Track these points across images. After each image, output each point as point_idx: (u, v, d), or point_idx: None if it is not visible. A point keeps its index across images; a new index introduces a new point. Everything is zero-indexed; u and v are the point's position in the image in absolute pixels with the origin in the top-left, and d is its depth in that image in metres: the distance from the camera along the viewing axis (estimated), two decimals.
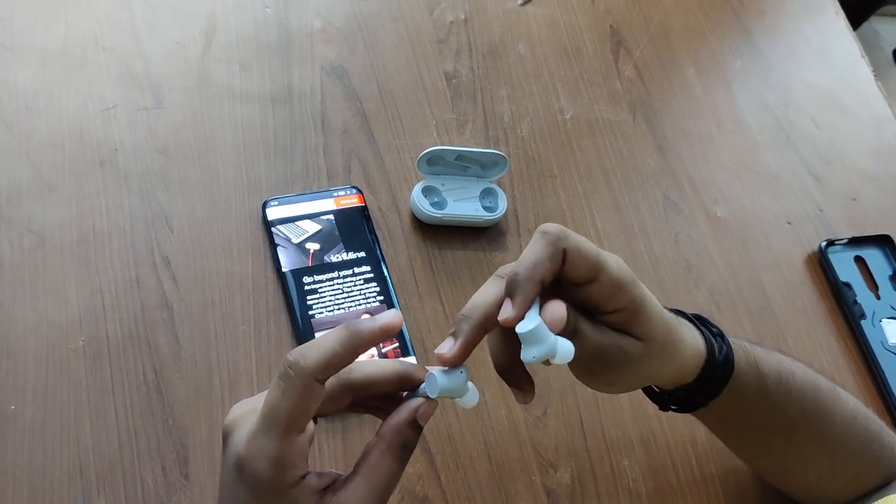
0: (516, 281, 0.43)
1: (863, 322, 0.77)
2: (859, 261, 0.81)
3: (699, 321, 0.53)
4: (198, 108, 0.75)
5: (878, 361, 0.75)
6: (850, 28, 1.01)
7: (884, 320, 0.78)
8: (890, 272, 0.81)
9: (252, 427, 0.41)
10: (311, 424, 0.43)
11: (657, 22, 0.94)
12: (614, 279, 0.45)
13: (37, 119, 0.71)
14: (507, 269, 0.45)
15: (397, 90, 0.81)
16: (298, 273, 0.67)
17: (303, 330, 0.65)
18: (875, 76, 0.97)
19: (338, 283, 0.68)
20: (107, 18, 0.77)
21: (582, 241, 0.44)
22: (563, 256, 0.44)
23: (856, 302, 0.78)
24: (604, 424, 0.67)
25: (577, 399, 0.68)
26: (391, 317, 0.43)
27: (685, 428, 0.67)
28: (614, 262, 0.45)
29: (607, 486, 0.64)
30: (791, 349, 0.75)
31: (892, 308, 0.78)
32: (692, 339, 0.50)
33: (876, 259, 0.81)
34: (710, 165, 0.85)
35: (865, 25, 2.18)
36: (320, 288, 0.67)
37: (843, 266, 0.80)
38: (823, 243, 0.81)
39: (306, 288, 0.67)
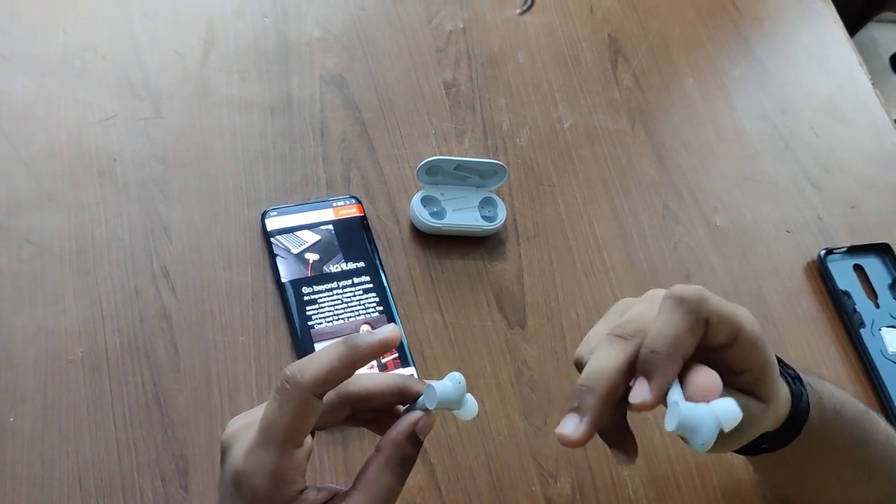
0: (654, 361, 0.38)
1: (862, 331, 0.77)
2: (858, 269, 0.81)
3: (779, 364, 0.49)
4: (197, 118, 0.75)
5: (877, 370, 0.75)
6: (848, 35, 1.01)
7: (883, 329, 0.78)
8: (889, 281, 0.81)
9: (250, 441, 0.41)
10: (309, 438, 0.43)
11: (655, 31, 0.94)
12: (751, 339, 0.41)
13: (35, 128, 0.71)
14: (630, 327, 0.40)
15: (396, 99, 0.81)
16: (298, 283, 0.67)
17: (302, 340, 0.65)
18: (873, 83, 0.97)
19: (337, 294, 0.68)
20: (106, 28, 0.77)
21: (722, 304, 0.40)
22: (705, 326, 0.39)
23: (855, 310, 0.78)
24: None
25: None
26: (390, 331, 0.42)
27: None
28: (749, 320, 0.41)
29: (608, 497, 0.64)
30: (791, 358, 0.73)
31: (892, 317, 0.78)
32: (783, 387, 0.47)
33: (875, 268, 0.81)
34: (710, 174, 0.85)
35: (863, 32, 2.18)
36: (320, 298, 0.67)
37: (843, 274, 0.80)
38: (822, 252, 0.81)
39: (305, 298, 0.67)
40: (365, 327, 0.67)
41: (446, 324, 0.69)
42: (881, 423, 0.57)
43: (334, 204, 0.72)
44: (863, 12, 2.05)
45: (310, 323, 0.66)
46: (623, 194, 0.81)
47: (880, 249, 0.82)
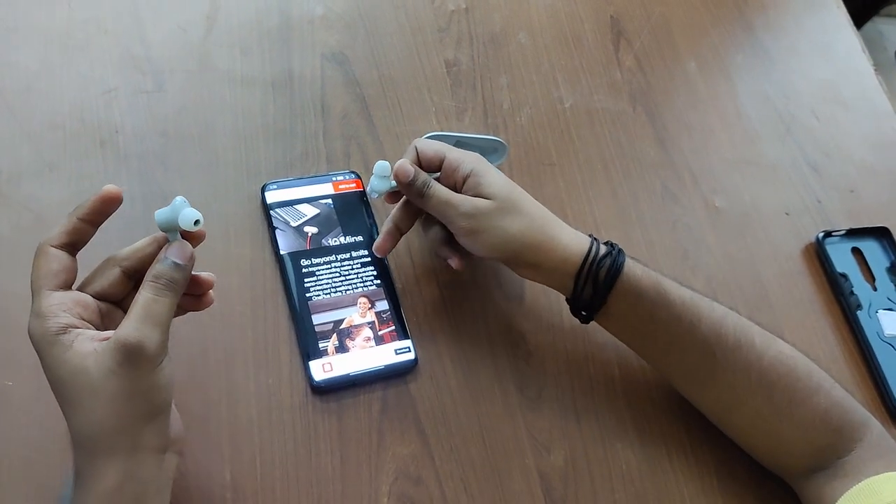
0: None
1: (859, 313, 0.77)
2: (856, 252, 0.81)
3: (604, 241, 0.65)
4: (198, 92, 0.75)
5: (873, 352, 0.75)
6: (851, 22, 1.01)
7: (880, 311, 0.78)
8: (887, 264, 0.81)
9: None
10: (82, 295, 0.50)
11: (658, 14, 0.94)
12: (453, 158, 0.64)
13: (38, 100, 0.71)
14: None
15: (397, 77, 0.81)
16: (296, 256, 0.68)
17: (300, 312, 0.65)
18: (875, 70, 0.97)
19: (335, 267, 0.68)
20: (109, 2, 0.78)
21: (428, 142, 0.66)
22: (415, 150, 0.65)
23: (852, 293, 0.78)
24: (597, 408, 0.67)
25: (571, 382, 0.68)
26: (108, 187, 0.50)
27: (680, 413, 0.67)
28: (456, 151, 0.65)
29: (600, 470, 0.64)
30: (787, 339, 0.74)
31: (889, 299, 0.79)
32: (575, 235, 0.64)
33: (873, 251, 0.81)
34: (711, 156, 0.86)
35: (869, 26, 2.18)
36: (318, 271, 0.67)
37: (841, 257, 0.80)
38: (821, 234, 0.81)
39: (304, 270, 0.67)
40: (362, 300, 0.67)
41: (444, 297, 0.70)
42: (785, 351, 0.63)
43: (334, 178, 0.73)
44: (869, 6, 2.04)
45: (307, 295, 0.66)
46: (623, 175, 0.81)
47: (879, 233, 0.82)
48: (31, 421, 0.58)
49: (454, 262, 0.66)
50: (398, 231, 0.67)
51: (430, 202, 0.63)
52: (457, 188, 0.64)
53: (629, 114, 0.86)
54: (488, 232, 0.62)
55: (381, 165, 0.64)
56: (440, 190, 0.63)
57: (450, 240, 0.66)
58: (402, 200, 0.67)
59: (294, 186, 0.71)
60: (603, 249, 0.63)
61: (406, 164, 0.63)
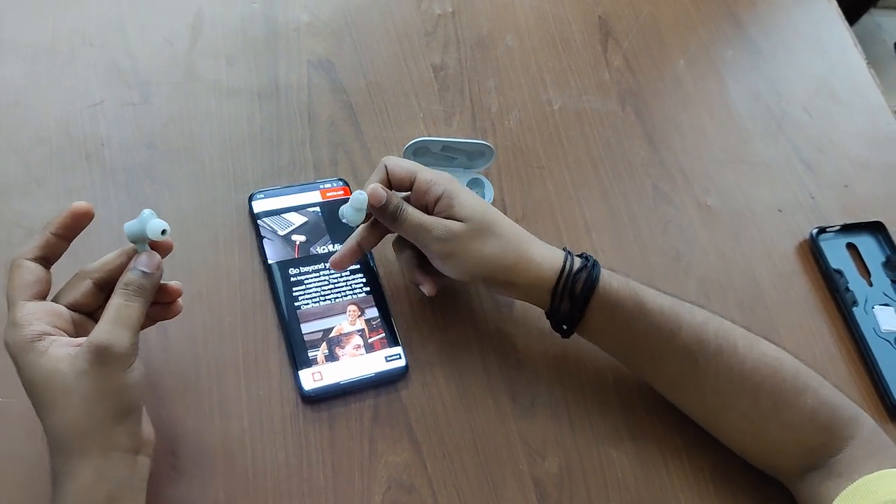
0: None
1: (855, 309, 0.76)
2: (851, 248, 0.80)
3: (578, 254, 0.65)
4: (184, 104, 0.75)
5: (870, 348, 0.74)
6: (843, 16, 1.01)
7: (876, 307, 0.77)
8: (882, 259, 0.80)
9: None
10: (56, 305, 0.52)
11: (646, 13, 0.94)
12: (424, 179, 0.62)
13: (25, 114, 0.71)
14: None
15: (384, 83, 0.81)
16: (284, 265, 0.67)
17: (288, 321, 0.65)
18: (868, 64, 0.96)
19: (324, 275, 0.68)
20: (95, 15, 0.78)
21: (398, 161, 0.64)
22: (385, 170, 0.63)
23: (848, 289, 0.78)
24: (591, 415, 0.67)
25: (564, 389, 0.67)
26: (78, 203, 0.52)
27: (675, 418, 0.67)
28: (427, 171, 0.63)
29: (595, 477, 0.64)
30: (783, 338, 0.74)
31: (885, 295, 0.78)
32: (549, 251, 0.63)
33: (868, 246, 0.81)
34: (702, 155, 0.85)
35: (867, 18, 2.17)
36: (306, 279, 0.67)
37: (835, 253, 0.80)
38: (815, 230, 0.80)
39: (292, 279, 0.67)
40: (352, 308, 0.67)
41: (434, 304, 0.69)
42: (770, 353, 0.62)
43: (321, 186, 0.72)
44: None
45: (296, 304, 0.66)
46: (613, 176, 0.81)
47: (873, 228, 0.82)
48: (30, 438, 0.57)
49: (427, 288, 0.65)
50: (360, 249, 0.65)
51: (403, 226, 0.62)
52: (428, 209, 0.63)
53: (618, 114, 0.85)
54: (462, 255, 0.61)
55: (359, 199, 0.61)
56: (413, 214, 0.62)
57: (422, 263, 0.65)
58: (370, 220, 0.65)
59: (281, 195, 0.71)
60: (578, 263, 0.63)
61: (378, 188, 0.61)
